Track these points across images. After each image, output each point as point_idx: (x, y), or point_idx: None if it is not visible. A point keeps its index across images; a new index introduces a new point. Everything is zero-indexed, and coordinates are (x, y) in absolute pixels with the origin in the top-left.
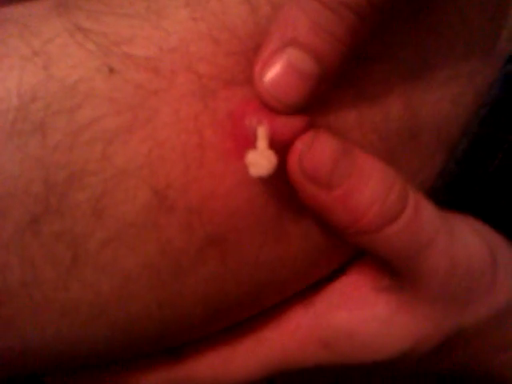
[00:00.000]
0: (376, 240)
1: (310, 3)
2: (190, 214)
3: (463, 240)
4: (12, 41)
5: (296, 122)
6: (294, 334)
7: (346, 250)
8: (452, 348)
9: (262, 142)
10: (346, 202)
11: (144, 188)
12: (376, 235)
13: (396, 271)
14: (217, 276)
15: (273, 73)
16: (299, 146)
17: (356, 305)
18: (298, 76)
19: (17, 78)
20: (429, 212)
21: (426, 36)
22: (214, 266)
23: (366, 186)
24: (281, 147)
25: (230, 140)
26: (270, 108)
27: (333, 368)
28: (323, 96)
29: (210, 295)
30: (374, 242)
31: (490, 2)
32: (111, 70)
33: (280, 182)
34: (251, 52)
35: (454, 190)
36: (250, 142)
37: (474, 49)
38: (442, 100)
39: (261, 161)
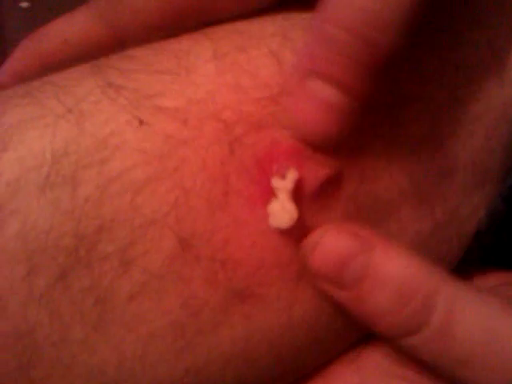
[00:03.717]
0: (402, 345)
1: (325, 29)
2: (214, 265)
3: None
4: (48, 101)
5: (324, 171)
6: None
7: None
8: None
9: (283, 194)
10: (359, 305)
11: (169, 236)
12: (399, 342)
13: None
14: (245, 336)
15: (301, 108)
16: (305, 245)
17: (412, 374)
18: (324, 107)
19: (50, 135)
20: (467, 318)
21: (455, 73)
22: (241, 324)
23: (380, 293)
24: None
25: (255, 187)
26: (303, 144)
27: None
28: (353, 143)
29: (240, 359)
30: (401, 347)
31: None
32: (141, 123)
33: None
34: (277, 96)
35: (503, 231)
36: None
37: (507, 81)
38: (474, 134)
39: (282, 213)
